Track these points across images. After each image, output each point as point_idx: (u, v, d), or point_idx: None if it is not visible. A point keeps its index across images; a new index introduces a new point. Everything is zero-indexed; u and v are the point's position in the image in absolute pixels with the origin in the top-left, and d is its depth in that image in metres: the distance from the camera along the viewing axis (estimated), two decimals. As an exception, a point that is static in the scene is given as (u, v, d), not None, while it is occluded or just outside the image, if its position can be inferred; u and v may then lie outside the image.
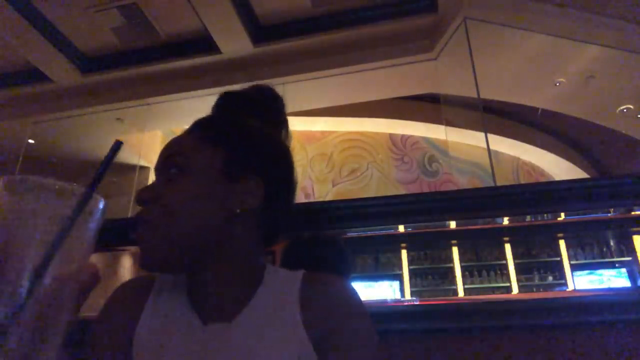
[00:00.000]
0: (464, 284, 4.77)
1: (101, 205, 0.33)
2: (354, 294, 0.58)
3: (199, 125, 0.60)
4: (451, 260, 4.91)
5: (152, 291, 0.60)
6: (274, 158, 0.61)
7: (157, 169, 0.57)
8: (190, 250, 0.53)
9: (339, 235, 1.01)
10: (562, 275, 4.64)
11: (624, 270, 4.50)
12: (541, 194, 0.89)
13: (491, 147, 4.04)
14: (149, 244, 0.52)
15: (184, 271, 0.57)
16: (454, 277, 4.83)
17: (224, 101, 0.67)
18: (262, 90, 0.69)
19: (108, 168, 0.35)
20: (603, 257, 4.65)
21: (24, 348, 0.28)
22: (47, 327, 0.30)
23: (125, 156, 5.25)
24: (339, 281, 0.59)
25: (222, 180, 0.55)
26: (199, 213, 0.53)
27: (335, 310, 0.55)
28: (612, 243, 4.71)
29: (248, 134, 0.60)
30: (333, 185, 5.88)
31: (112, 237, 0.99)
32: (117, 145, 0.36)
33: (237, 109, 0.64)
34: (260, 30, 4.01)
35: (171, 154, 0.56)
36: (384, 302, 4.29)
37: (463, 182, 6.06)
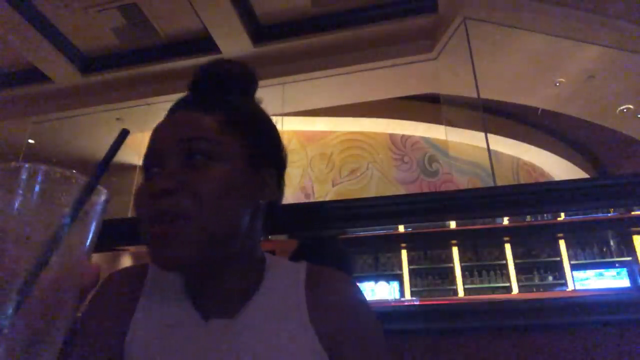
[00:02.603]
0: (464, 284, 4.77)
1: (104, 197, 0.30)
2: (358, 289, 0.57)
3: (220, 107, 0.54)
4: (451, 260, 4.91)
5: (145, 283, 0.55)
6: (284, 149, 0.61)
7: (169, 152, 0.50)
8: (220, 244, 0.49)
9: (337, 235, 1.01)
10: (562, 275, 4.64)
11: (624, 270, 4.49)
12: (541, 194, 0.89)
13: (491, 147, 4.04)
14: (181, 239, 0.45)
15: (204, 268, 0.51)
16: (454, 277, 4.82)
17: (216, 69, 0.59)
18: (243, 67, 0.62)
19: (113, 157, 0.32)
20: (603, 257, 4.64)
21: (19, 352, 0.25)
22: (45, 330, 0.27)
23: (125, 156, 5.25)
24: (343, 277, 0.58)
25: (248, 170, 0.52)
26: (232, 204, 0.49)
27: (344, 307, 0.53)
28: (612, 243, 4.70)
29: (268, 124, 0.59)
30: (333, 185, 5.87)
31: (112, 237, 0.98)
32: (124, 133, 0.34)
33: (228, 83, 0.58)
34: (260, 30, 4.01)
35: (194, 138, 0.49)
36: (387, 302, 4.28)
37: (463, 182, 6.06)
